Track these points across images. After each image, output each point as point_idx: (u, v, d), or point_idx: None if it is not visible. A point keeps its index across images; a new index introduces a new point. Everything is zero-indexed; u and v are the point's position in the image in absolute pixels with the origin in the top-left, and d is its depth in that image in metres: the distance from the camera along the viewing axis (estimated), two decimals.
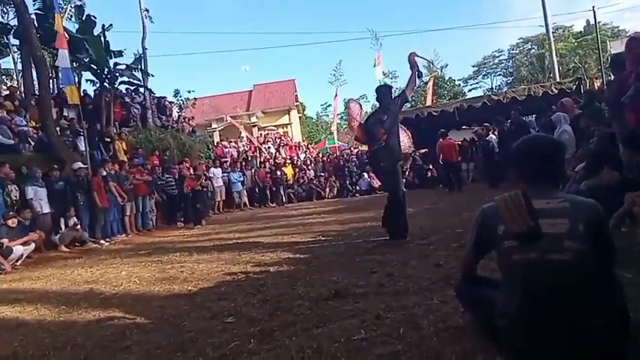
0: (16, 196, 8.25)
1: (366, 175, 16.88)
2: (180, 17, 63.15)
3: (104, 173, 9.78)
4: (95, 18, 13.74)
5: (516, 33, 51.71)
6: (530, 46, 42.28)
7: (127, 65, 14.38)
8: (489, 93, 20.65)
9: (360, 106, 6.61)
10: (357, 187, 16.88)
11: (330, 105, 48.66)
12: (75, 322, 3.56)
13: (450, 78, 45.47)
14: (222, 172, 15.32)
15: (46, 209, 8.60)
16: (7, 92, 12.80)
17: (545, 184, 1.87)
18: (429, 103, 22.56)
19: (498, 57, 46.49)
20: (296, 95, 35.84)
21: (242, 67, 46.57)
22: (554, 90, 13.21)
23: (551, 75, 23.17)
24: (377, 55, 20.56)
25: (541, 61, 37.55)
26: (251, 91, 35.31)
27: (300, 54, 77.44)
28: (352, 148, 23.14)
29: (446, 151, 12.72)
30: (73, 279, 5.59)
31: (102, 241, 9.25)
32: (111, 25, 14.52)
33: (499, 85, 44.81)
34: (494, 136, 12.81)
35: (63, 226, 8.92)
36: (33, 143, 10.39)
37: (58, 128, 11.02)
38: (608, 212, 2.28)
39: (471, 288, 2.20)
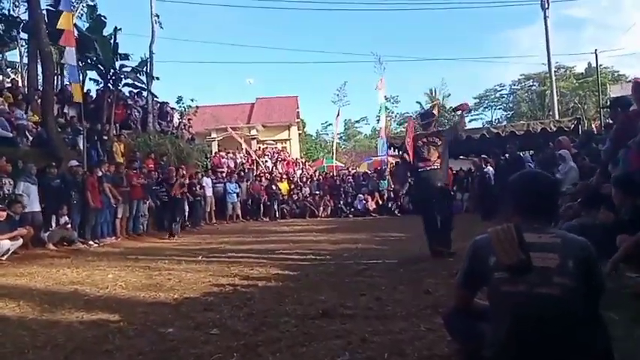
0: (9, 190, 8.18)
1: (361, 196, 16.88)
2: (188, 26, 63.75)
3: (100, 173, 9.75)
4: (105, 18, 13.91)
5: (519, 69, 52.76)
6: (531, 83, 42.93)
7: (132, 68, 14.48)
8: (489, 125, 20.87)
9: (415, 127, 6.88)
10: (352, 208, 16.85)
11: (330, 124, 49.08)
12: (57, 321, 3.52)
13: (450, 107, 46.02)
14: (219, 182, 15.27)
15: (36, 206, 8.49)
16: (10, 85, 12.84)
17: (538, 219, 1.89)
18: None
19: (500, 91, 47.23)
20: (297, 112, 36.06)
21: (247, 79, 46.86)
22: (552, 127, 13.36)
23: (551, 113, 23.48)
24: (380, 79, 20.74)
25: (541, 98, 38.09)
26: (253, 104, 35.49)
27: (304, 72, 78.09)
28: (349, 169, 23.19)
29: None
30: (59, 278, 5.53)
31: (91, 242, 9.17)
32: (120, 28, 14.67)
33: (499, 119, 45.44)
34: (491, 168, 12.91)
35: (54, 224, 8.84)
36: (31, 138, 10.37)
37: (58, 125, 11.02)
38: (601, 252, 2.30)
39: (459, 317, 2.20)
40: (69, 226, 8.85)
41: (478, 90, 53.35)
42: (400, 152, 7.80)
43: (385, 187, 16.90)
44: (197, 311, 3.63)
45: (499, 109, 48.24)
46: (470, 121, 46.64)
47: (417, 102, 47.58)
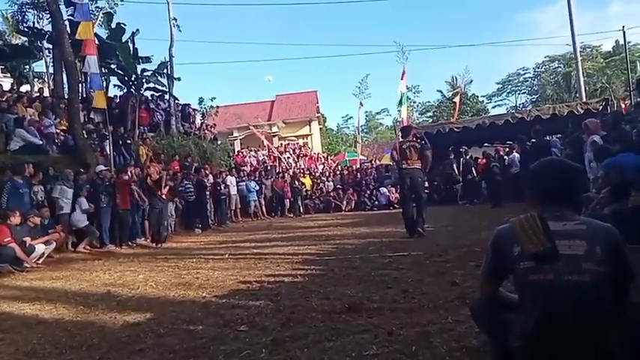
0: (41, 197, 8.46)
1: (384, 188, 16.78)
2: (206, 27, 64.42)
3: (127, 177, 9.96)
4: (125, 25, 14.17)
5: (542, 51, 51.25)
6: (556, 65, 41.79)
7: (152, 71, 14.72)
8: (513, 111, 20.38)
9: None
10: (376, 201, 16.77)
11: (351, 117, 49.00)
12: (92, 322, 3.63)
13: (473, 94, 45.26)
14: (242, 181, 15.41)
15: (67, 209, 8.75)
16: (38, 94, 13.25)
17: (561, 207, 1.85)
18: (455, 119, 22.35)
19: (523, 75, 46.20)
20: (317, 106, 36.08)
21: (266, 77, 47.13)
22: (579, 110, 12.96)
23: (577, 95, 22.79)
24: (403, 69, 20.45)
25: (567, 80, 37.03)
26: (273, 101, 35.67)
27: (322, 66, 78.01)
28: (372, 162, 23.04)
29: None
30: (92, 280, 5.70)
31: (122, 245, 9.39)
32: (138, 30, 14.90)
33: (523, 103, 44.43)
34: (517, 155, 12.68)
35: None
36: (59, 144, 10.70)
37: (84, 131, 11.33)
38: (633, 238, 2.23)
39: (486, 308, 2.17)
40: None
41: (501, 75, 52.27)
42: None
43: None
44: (225, 309, 3.69)
45: (523, 93, 47.26)
46: (493, 107, 45.92)
47: (437, 90, 47.06)
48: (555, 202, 1.86)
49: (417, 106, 48.91)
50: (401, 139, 7.76)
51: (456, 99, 26.16)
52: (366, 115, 49.07)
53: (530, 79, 46.10)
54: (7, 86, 15.14)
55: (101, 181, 9.45)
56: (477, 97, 46.06)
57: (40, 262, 7.41)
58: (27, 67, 17.85)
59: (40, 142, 10.06)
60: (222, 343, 2.84)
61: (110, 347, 2.95)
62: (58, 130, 11.14)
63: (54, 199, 8.57)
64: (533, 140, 10.93)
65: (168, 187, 9.90)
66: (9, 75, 17.26)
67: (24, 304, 4.50)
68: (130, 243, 9.55)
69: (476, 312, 2.30)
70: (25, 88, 16.58)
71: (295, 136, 31.89)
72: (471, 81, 44.55)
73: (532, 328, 1.75)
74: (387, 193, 16.57)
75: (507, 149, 13.52)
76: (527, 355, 1.78)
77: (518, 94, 47.45)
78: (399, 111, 15.41)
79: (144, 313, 3.75)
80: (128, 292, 4.73)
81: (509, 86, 47.32)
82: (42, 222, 7.87)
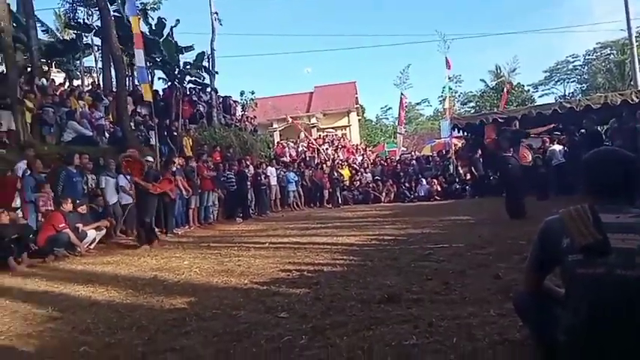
0: (92, 185, 8.90)
1: (425, 180, 16.54)
2: (245, 19, 65.18)
3: (173, 167, 10.28)
4: (165, 20, 14.64)
5: (593, 37, 48.62)
6: (608, 52, 39.53)
7: (191, 63, 15.10)
8: (561, 100, 19.49)
9: None
10: (416, 193, 16.55)
11: (390, 108, 48.43)
12: (140, 305, 3.81)
13: (518, 83, 43.54)
14: (281, 172, 15.58)
15: (114, 199, 9.15)
16: (89, 88, 13.90)
17: (615, 199, 1.77)
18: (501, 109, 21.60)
19: (573, 62, 43.87)
20: (356, 97, 35.92)
21: (305, 68, 47.30)
22: (634, 99, 12.23)
23: (632, 83, 21.50)
24: (446, 59, 19.95)
25: (620, 67, 34.91)
26: (312, 92, 35.79)
27: (361, 57, 77.23)
28: (412, 153, 22.69)
29: None
30: (140, 265, 5.97)
31: (167, 232, 9.73)
32: (178, 21, 15.31)
33: (572, 93, 42.27)
34: (558, 147, 12.12)
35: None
36: (108, 136, 11.19)
37: (132, 123, 11.78)
38: None
39: (531, 301, 2.12)
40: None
41: (548, 63, 50.01)
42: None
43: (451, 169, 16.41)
44: (266, 295, 3.77)
45: (572, 82, 44.90)
46: (540, 97, 44.07)
47: (481, 80, 45.63)
48: (609, 194, 1.79)
49: (459, 96, 47.70)
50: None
51: (506, 88, 25.05)
52: (406, 106, 48.37)
53: (580, 67, 43.74)
54: (59, 80, 15.95)
55: (154, 174, 9.79)
56: (523, 86, 44.32)
57: (91, 247, 7.82)
58: (77, 62, 18.70)
59: (91, 134, 10.56)
60: (264, 328, 2.91)
61: (158, 329, 3.08)
62: (107, 122, 11.65)
63: (101, 189, 8.99)
64: (583, 131, 10.45)
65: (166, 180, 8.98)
66: (61, 70, 18.11)
67: (78, 286, 4.78)
68: (174, 231, 9.88)
69: (519, 305, 2.25)
70: (76, 82, 17.40)
71: (334, 128, 31.90)
72: (515, 69, 42.86)
73: (580, 323, 1.69)
74: (428, 185, 16.31)
75: (548, 141, 12.92)
76: (574, 351, 1.73)
77: (567, 82, 45.22)
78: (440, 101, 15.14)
79: (189, 298, 3.89)
80: (174, 278, 4.91)
81: (558, 74, 45.17)
82: (94, 210, 8.28)
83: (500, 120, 14.34)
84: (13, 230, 6.69)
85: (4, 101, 9.41)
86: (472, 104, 46.86)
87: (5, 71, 10.13)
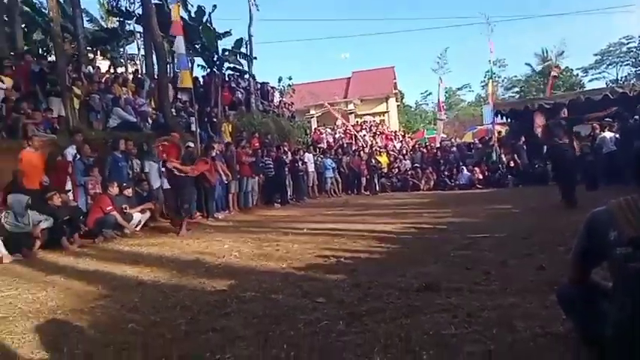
0: (136, 170, 9.23)
1: (466, 168, 16.14)
2: (283, 6, 65.04)
3: (213, 153, 10.49)
4: (204, 8, 14.86)
5: None
6: None
7: (230, 50, 15.27)
8: (613, 85, 18.46)
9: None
10: (456, 181, 16.19)
11: (430, 94, 47.40)
12: (184, 286, 3.95)
13: (567, 67, 41.46)
14: (319, 158, 15.60)
15: (158, 183, 9.43)
16: (132, 75, 14.34)
17: None
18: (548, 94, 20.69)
19: (627, 44, 41.13)
20: (395, 83, 35.32)
21: (342, 54, 46.90)
22: None
23: None
24: (490, 42, 19.26)
25: None
26: (349, 78, 35.46)
27: (400, 41, 75.71)
28: (453, 140, 22.17)
29: None
30: (183, 248, 6.16)
31: (208, 216, 9.98)
32: (215, 6, 15.50)
33: (626, 77, 39.81)
34: (609, 134, 11.47)
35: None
36: (151, 122, 11.53)
37: (173, 109, 12.08)
38: None
39: (576, 294, 2.05)
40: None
41: (600, 45, 47.31)
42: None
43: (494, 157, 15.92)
44: (304, 280, 3.82)
45: (626, 65, 42.16)
46: (590, 81, 41.92)
47: (526, 64, 43.85)
48: None
49: (503, 81, 46.11)
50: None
51: (554, 72, 23.83)
52: (446, 92, 47.19)
53: (635, 49, 41.03)
54: (104, 68, 16.54)
55: (189, 157, 10.04)
56: (571, 70, 42.23)
57: (137, 229, 8.13)
58: (121, 49, 19.29)
59: (135, 120, 10.90)
60: (302, 312, 2.95)
61: (200, 310, 3.19)
62: (150, 109, 11.99)
63: (146, 173, 9.31)
64: (637, 117, 9.87)
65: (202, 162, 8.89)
66: (106, 57, 18.77)
67: (126, 267, 5.00)
68: (215, 215, 10.12)
69: (564, 297, 2.19)
70: (119, 70, 18.00)
71: (372, 114, 31.55)
72: (562, 52, 40.75)
73: (627, 318, 1.63)
74: (469, 173, 15.92)
75: (598, 128, 12.28)
76: (621, 345, 1.68)
77: (620, 66, 42.58)
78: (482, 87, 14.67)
79: (229, 280, 4.00)
80: (215, 260, 5.05)
81: (610, 57, 42.60)
82: (138, 193, 8.60)
83: (546, 106, 13.78)
84: (65, 212, 7.04)
85: (55, 88, 9.84)
86: (516, 89, 45.20)
87: (55, 59, 10.57)
